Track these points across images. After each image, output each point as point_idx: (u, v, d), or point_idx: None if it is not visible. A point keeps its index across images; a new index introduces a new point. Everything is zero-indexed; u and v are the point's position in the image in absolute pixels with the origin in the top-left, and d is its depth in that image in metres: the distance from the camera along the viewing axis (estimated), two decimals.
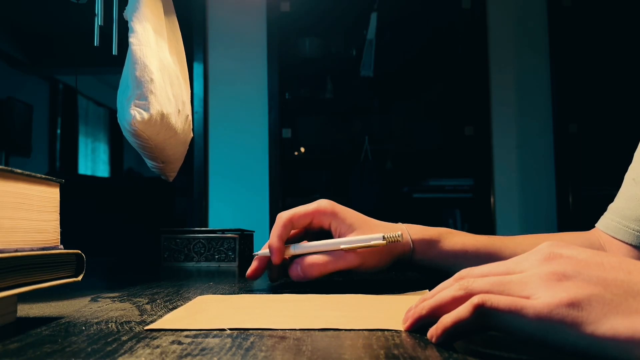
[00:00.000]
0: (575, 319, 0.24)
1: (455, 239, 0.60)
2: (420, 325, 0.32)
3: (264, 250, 0.57)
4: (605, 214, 0.64)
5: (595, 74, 2.45)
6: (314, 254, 0.54)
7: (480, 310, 0.27)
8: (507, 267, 0.30)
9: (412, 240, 0.58)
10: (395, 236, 0.52)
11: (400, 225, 0.59)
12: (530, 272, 0.28)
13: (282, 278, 0.59)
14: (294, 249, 0.55)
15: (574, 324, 0.24)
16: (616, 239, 0.60)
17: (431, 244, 0.59)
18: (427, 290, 0.46)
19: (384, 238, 0.52)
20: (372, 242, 0.53)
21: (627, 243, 0.59)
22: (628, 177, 0.62)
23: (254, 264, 0.57)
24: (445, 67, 2.62)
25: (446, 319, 0.29)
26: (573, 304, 0.25)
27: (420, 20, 2.57)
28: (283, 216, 0.56)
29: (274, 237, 0.55)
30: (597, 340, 0.24)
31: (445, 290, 0.31)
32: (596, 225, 0.65)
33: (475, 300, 0.27)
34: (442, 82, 2.65)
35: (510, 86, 2.46)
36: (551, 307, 0.25)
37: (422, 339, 0.31)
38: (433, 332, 0.30)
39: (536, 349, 0.28)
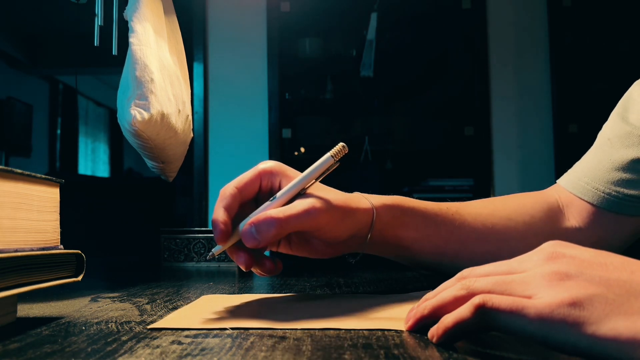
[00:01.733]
0: (576, 319, 0.24)
1: (412, 204, 0.54)
2: (422, 325, 0.32)
3: (216, 247, 0.46)
4: (571, 171, 0.61)
5: (595, 74, 2.45)
6: (271, 209, 0.45)
7: (482, 311, 0.27)
8: (509, 267, 0.30)
9: (373, 206, 0.51)
10: (340, 148, 0.46)
11: (357, 193, 0.53)
12: (533, 272, 0.28)
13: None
14: (242, 228, 0.44)
15: (576, 324, 0.24)
16: (581, 198, 0.58)
17: (393, 208, 0.53)
18: (430, 290, 0.46)
19: (331, 157, 0.46)
20: (325, 166, 0.47)
21: (591, 204, 0.57)
22: (602, 136, 0.60)
23: (241, 260, 0.45)
24: (445, 67, 2.62)
25: (447, 319, 0.29)
26: (575, 304, 0.25)
27: (420, 21, 2.57)
28: (227, 188, 0.47)
29: (218, 209, 0.45)
30: (598, 341, 0.24)
31: (447, 290, 0.31)
32: (558, 181, 0.62)
33: (476, 300, 0.27)
34: (442, 82, 2.65)
35: (511, 86, 2.46)
36: (553, 307, 0.25)
37: (422, 339, 0.31)
38: (434, 332, 0.29)
39: (537, 349, 0.28)
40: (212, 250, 0.46)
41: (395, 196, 0.54)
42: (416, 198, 0.56)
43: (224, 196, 0.46)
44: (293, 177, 0.47)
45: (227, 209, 0.45)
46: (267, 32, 2.47)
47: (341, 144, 0.46)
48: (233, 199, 0.46)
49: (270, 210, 0.44)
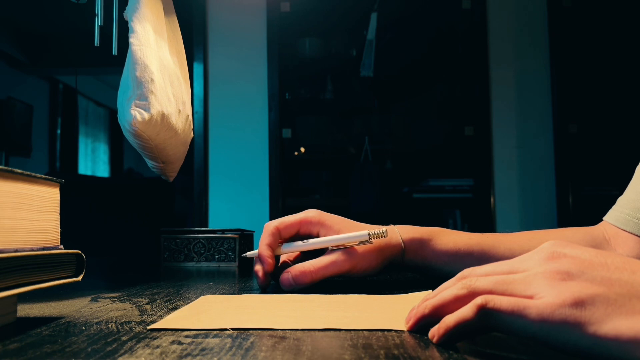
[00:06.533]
0: (578, 319, 0.24)
1: (447, 237, 0.60)
2: (422, 325, 0.32)
3: (254, 251, 0.58)
4: (614, 206, 0.63)
5: (595, 74, 2.45)
6: (305, 262, 0.54)
7: (483, 311, 0.27)
8: (510, 266, 0.30)
9: (402, 241, 0.58)
10: (380, 233, 0.54)
11: (391, 226, 0.60)
12: (534, 272, 0.28)
13: (271, 282, 0.59)
14: (284, 248, 0.56)
15: (577, 324, 0.24)
16: (625, 231, 0.60)
17: (422, 243, 0.59)
18: (430, 290, 0.46)
19: (368, 235, 0.54)
20: (358, 240, 0.54)
21: (635, 235, 0.59)
22: (639, 169, 0.62)
23: (261, 272, 0.54)
24: (445, 67, 2.62)
25: (449, 319, 0.28)
26: (576, 304, 0.25)
27: (420, 21, 2.57)
28: (270, 225, 0.56)
29: (263, 245, 0.55)
30: (599, 341, 0.24)
31: (448, 289, 0.31)
32: (604, 218, 0.64)
33: (478, 300, 0.27)
34: (442, 82, 2.64)
35: (511, 86, 2.46)
36: (554, 307, 0.25)
37: (422, 339, 0.31)
38: (435, 332, 0.29)
39: (537, 349, 0.28)
40: (247, 253, 0.59)
41: (429, 228, 0.61)
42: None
43: (267, 233, 0.56)
44: (329, 226, 0.56)
45: (270, 245, 0.55)
46: (267, 32, 2.47)
47: (385, 229, 0.55)
48: (273, 237, 0.56)
49: (308, 263, 0.53)
